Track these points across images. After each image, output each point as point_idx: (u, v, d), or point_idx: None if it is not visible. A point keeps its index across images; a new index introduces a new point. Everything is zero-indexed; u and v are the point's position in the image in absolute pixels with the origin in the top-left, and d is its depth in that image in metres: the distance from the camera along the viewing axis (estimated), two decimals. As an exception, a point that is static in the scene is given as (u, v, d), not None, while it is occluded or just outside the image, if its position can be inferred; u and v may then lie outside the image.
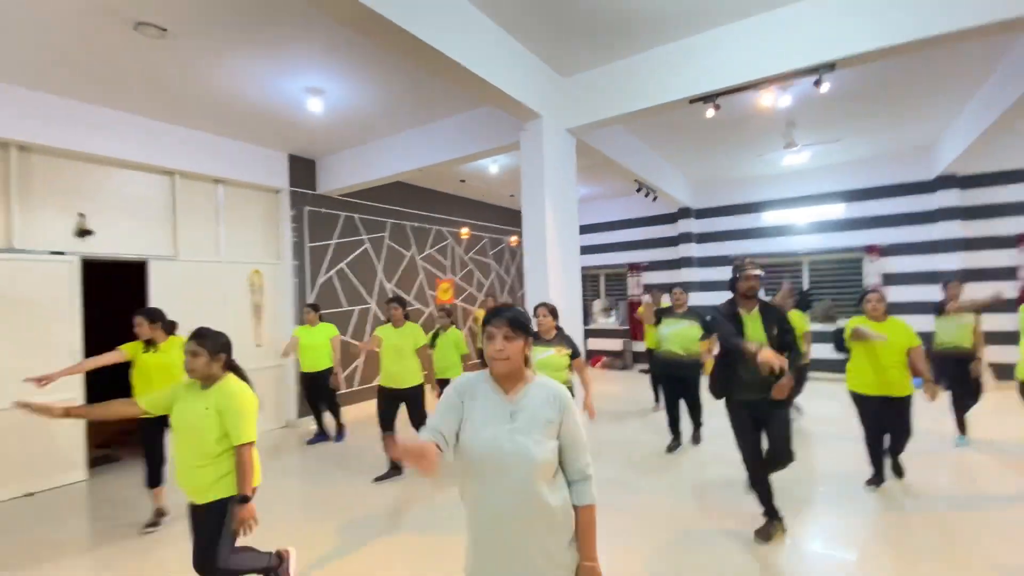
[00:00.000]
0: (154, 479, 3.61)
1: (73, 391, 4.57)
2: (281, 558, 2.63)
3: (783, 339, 3.07)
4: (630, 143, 6.42)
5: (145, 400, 2.21)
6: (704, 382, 4.81)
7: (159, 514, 3.62)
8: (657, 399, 6.64)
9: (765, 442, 3.15)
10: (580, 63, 4.40)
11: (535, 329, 3.71)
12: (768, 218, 8.77)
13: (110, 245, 5.04)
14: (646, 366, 9.59)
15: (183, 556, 3.10)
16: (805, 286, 8.55)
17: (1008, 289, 6.83)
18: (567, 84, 4.62)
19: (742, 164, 7.97)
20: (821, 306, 8.21)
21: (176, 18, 3.43)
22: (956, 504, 3.51)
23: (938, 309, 4.79)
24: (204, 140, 5.59)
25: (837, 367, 7.95)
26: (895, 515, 3.38)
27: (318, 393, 5.62)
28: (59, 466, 4.51)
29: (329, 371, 5.55)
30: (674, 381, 4.86)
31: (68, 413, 2.08)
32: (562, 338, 3.64)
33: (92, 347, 4.85)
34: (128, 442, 5.71)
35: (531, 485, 1.38)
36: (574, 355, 3.61)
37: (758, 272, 3.12)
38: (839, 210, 8.11)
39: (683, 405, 4.99)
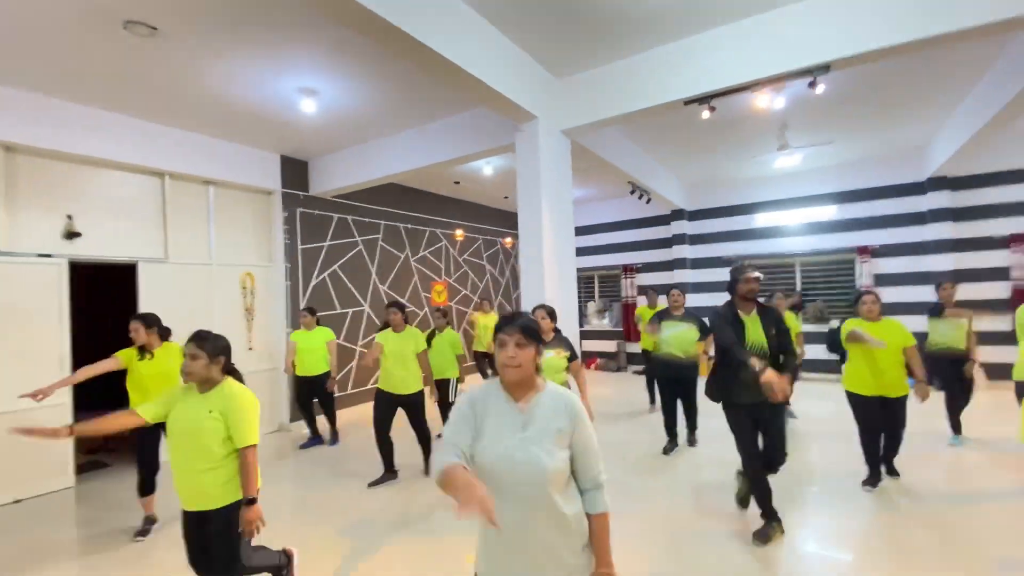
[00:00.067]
0: (147, 487, 3.54)
1: (62, 396, 4.49)
2: (288, 556, 2.64)
3: (781, 341, 3.12)
4: (624, 145, 6.42)
5: (143, 410, 2.16)
6: (701, 384, 4.86)
7: (149, 521, 3.56)
8: (653, 400, 6.63)
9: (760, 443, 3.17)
10: (575, 64, 4.39)
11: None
12: (761, 220, 8.82)
13: (99, 247, 4.95)
14: (640, 367, 9.63)
15: (174, 562, 3.05)
16: (797, 287, 8.60)
17: (999, 289, 6.91)
18: (562, 85, 4.61)
19: (735, 166, 8.01)
20: (813, 307, 8.29)
21: (166, 17, 3.38)
22: (952, 503, 3.52)
23: (932, 310, 4.82)
24: (195, 141, 5.52)
25: (829, 367, 8.01)
26: (892, 515, 3.38)
27: (315, 397, 5.58)
28: (47, 472, 4.42)
29: (326, 375, 5.51)
30: (672, 383, 4.85)
31: (72, 432, 2.02)
32: (560, 340, 3.62)
33: (80, 351, 4.78)
34: (116, 448, 5.62)
35: (544, 494, 1.38)
36: (571, 358, 3.59)
37: (757, 275, 3.14)
38: (831, 211, 8.17)
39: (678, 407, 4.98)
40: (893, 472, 3.98)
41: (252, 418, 2.19)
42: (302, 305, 6.60)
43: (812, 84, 3.63)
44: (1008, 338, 6.77)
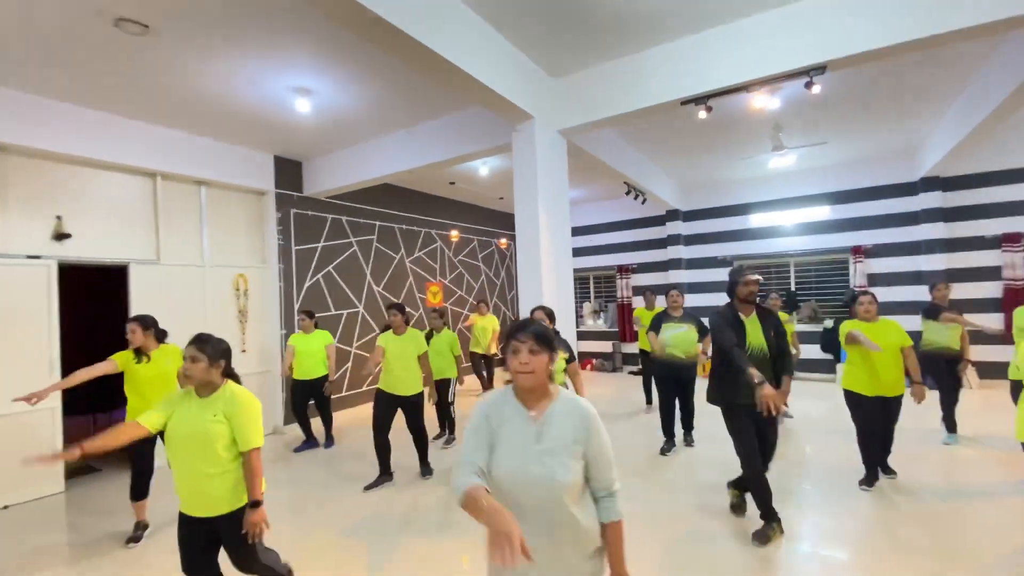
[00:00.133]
0: (140, 492, 3.48)
1: (51, 400, 4.41)
2: (290, 571, 2.58)
3: (779, 343, 3.16)
4: (619, 145, 6.42)
5: (145, 420, 2.11)
6: (699, 384, 4.86)
7: (141, 527, 3.50)
8: (649, 401, 6.63)
9: None
10: (571, 64, 4.38)
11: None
12: (755, 220, 8.85)
13: (89, 249, 4.88)
14: (635, 368, 9.64)
15: (168, 568, 3.01)
16: (792, 287, 8.64)
17: (991, 289, 6.97)
18: (558, 85, 4.59)
19: (729, 167, 8.03)
20: (807, 307, 8.33)
21: (158, 14, 3.33)
22: (948, 501, 3.53)
23: (926, 310, 4.85)
24: (187, 141, 5.45)
25: (823, 367, 8.06)
26: (889, 513, 3.38)
27: (312, 400, 5.53)
28: (35, 477, 4.34)
29: (324, 378, 5.47)
30: (672, 383, 4.85)
31: (83, 452, 1.97)
32: (558, 341, 3.59)
33: (70, 355, 4.70)
34: (106, 453, 5.53)
35: (559, 506, 1.38)
36: (570, 359, 3.58)
37: (757, 277, 3.19)
38: (825, 212, 8.21)
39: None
40: (889, 471, 3.99)
41: (256, 421, 2.18)
42: (296, 307, 6.55)
43: (808, 85, 3.63)
44: (999, 338, 6.84)
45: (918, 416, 5.29)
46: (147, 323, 3.50)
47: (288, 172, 6.58)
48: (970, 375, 6.83)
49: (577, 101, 4.48)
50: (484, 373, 7.96)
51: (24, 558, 3.30)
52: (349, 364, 7.28)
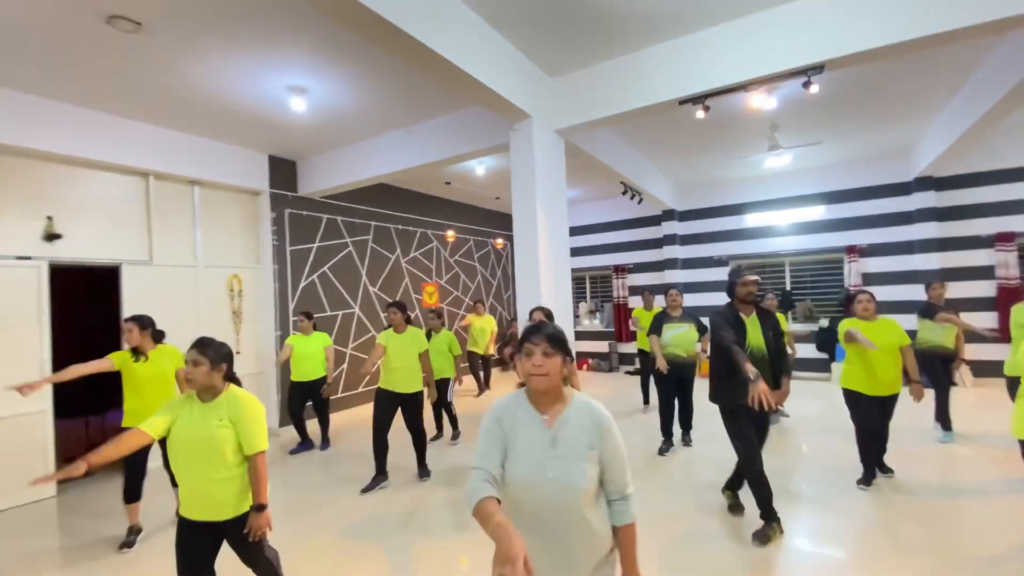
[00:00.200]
0: (133, 493, 3.42)
1: (42, 403, 4.36)
2: None
3: (778, 344, 3.20)
4: (615, 145, 6.41)
5: (148, 426, 2.08)
6: (698, 384, 4.88)
7: (134, 532, 3.44)
8: (646, 401, 6.63)
9: None
10: (569, 63, 4.36)
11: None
12: (750, 220, 8.87)
13: (80, 249, 4.81)
14: (632, 368, 9.64)
15: (162, 573, 2.97)
16: (787, 286, 8.67)
17: (984, 288, 7.01)
18: (556, 84, 4.58)
19: (725, 166, 8.04)
20: (802, 307, 8.37)
21: (151, 11, 3.28)
22: (945, 499, 3.54)
23: (922, 309, 4.87)
24: (180, 140, 5.39)
25: (819, 366, 8.09)
26: (887, 512, 3.38)
27: (310, 401, 5.49)
28: (26, 482, 4.26)
29: (323, 380, 5.43)
30: (672, 382, 4.85)
31: (89, 465, 1.95)
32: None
33: (62, 357, 4.64)
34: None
35: (574, 510, 1.38)
36: (568, 360, 3.55)
37: (755, 278, 3.19)
38: (820, 211, 8.24)
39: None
40: (886, 469, 4.00)
41: (261, 424, 2.17)
42: (291, 307, 6.51)
43: (806, 84, 3.63)
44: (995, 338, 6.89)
45: (914, 415, 5.31)
46: (144, 323, 3.46)
47: (283, 172, 6.53)
48: (964, 374, 6.87)
49: (575, 101, 4.47)
50: (481, 373, 7.94)
51: (16, 563, 3.24)
52: (345, 366, 7.24)
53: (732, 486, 3.57)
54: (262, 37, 3.66)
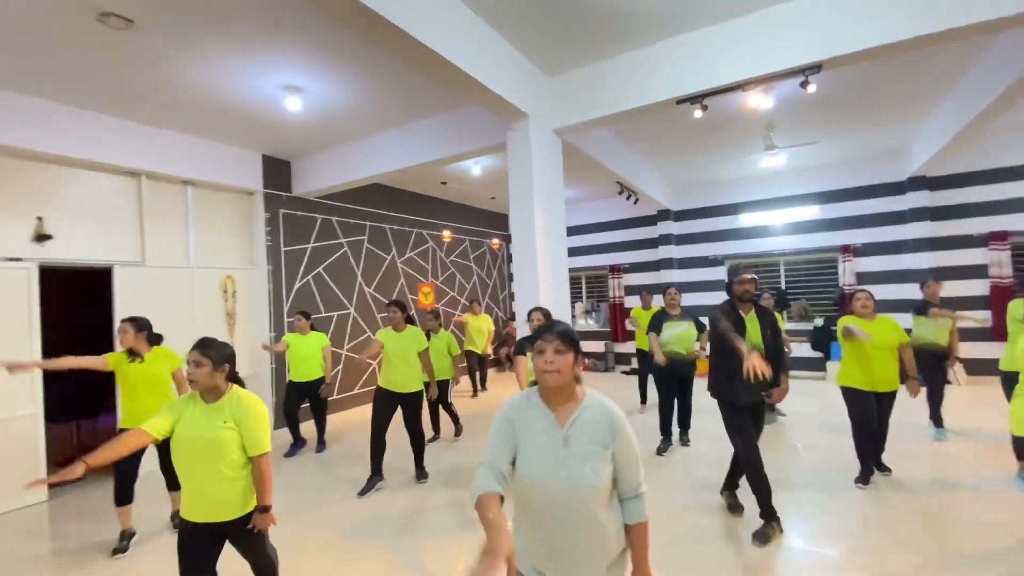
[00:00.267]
0: (124, 496, 3.37)
1: (32, 407, 4.29)
2: None
3: (775, 341, 3.23)
4: (612, 145, 6.40)
5: (150, 427, 2.04)
6: (696, 383, 4.89)
7: (127, 536, 3.38)
8: (644, 400, 6.63)
9: None
10: (566, 62, 4.34)
11: (530, 333, 3.64)
12: (745, 220, 8.90)
13: (71, 250, 4.74)
14: (628, 368, 9.65)
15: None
16: (782, 286, 8.70)
17: (978, 287, 7.07)
18: (553, 84, 4.56)
19: (721, 166, 8.06)
20: (797, 306, 8.40)
21: (143, 8, 3.23)
22: (945, 497, 3.55)
23: (917, 307, 4.91)
24: (172, 139, 5.33)
25: (813, 365, 8.12)
26: (885, 510, 3.39)
27: (308, 402, 5.44)
28: (18, 487, 4.20)
29: (321, 381, 5.38)
30: (672, 380, 4.84)
31: (88, 466, 1.91)
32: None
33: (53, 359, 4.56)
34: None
35: (587, 509, 1.37)
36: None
37: (752, 276, 3.21)
38: (814, 211, 8.27)
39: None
40: (883, 468, 4.02)
41: (265, 425, 2.15)
42: (286, 309, 6.45)
43: (804, 84, 3.64)
44: (986, 335, 6.95)
45: (910, 412, 5.34)
46: (140, 325, 3.42)
47: (277, 171, 6.48)
48: (958, 371, 6.92)
49: (573, 100, 4.45)
50: (478, 373, 7.91)
51: (8, 571, 3.18)
52: (340, 367, 7.18)
53: (729, 486, 3.58)
54: (257, 35, 3.62)
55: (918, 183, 7.34)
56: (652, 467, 4.48)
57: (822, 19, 3.39)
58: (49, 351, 4.50)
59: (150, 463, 3.51)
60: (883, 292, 7.55)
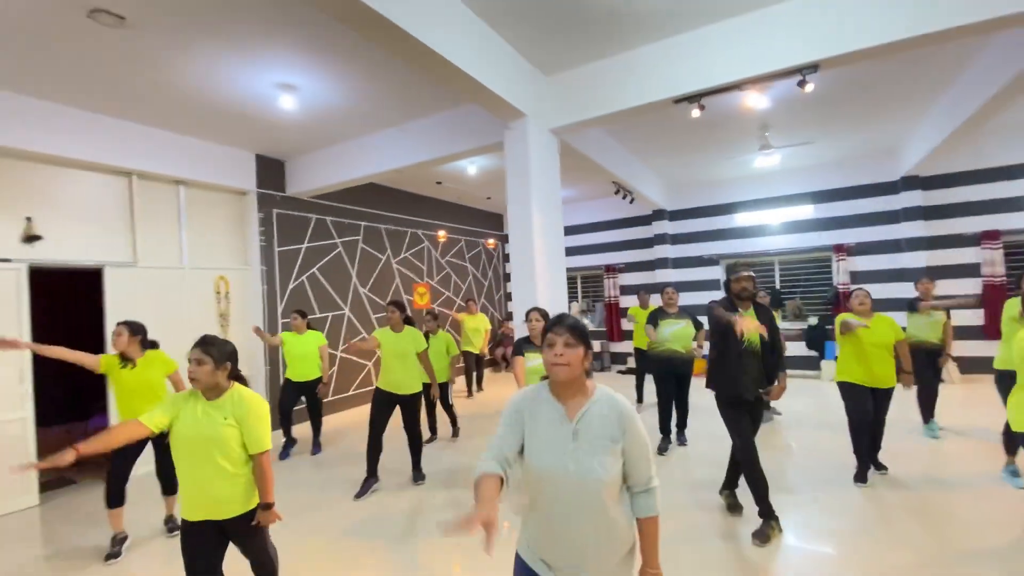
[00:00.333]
0: (116, 498, 3.31)
1: (22, 410, 4.22)
2: None
3: (773, 339, 3.24)
4: (608, 144, 6.40)
5: (148, 419, 2.03)
6: (694, 382, 4.90)
7: (119, 541, 3.32)
8: (640, 399, 6.63)
9: None
10: (564, 62, 4.33)
11: (527, 334, 3.63)
12: (740, 219, 8.93)
13: (61, 251, 4.67)
14: (624, 367, 9.65)
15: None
16: (776, 285, 8.74)
17: (971, 286, 7.12)
18: (550, 83, 4.54)
19: (715, 166, 8.08)
20: (791, 305, 8.43)
21: (135, 5, 3.18)
22: (942, 494, 3.57)
23: (911, 304, 4.97)
24: (164, 138, 5.26)
25: (807, 364, 8.16)
26: (882, 509, 3.40)
27: (305, 402, 5.39)
28: (8, 491, 4.13)
29: (318, 381, 5.34)
30: (671, 379, 4.85)
31: (79, 453, 1.87)
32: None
33: (43, 361, 4.49)
34: (82, 463, 5.31)
35: (597, 503, 1.38)
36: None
37: (750, 274, 3.21)
38: (808, 211, 8.31)
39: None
40: (880, 467, 4.04)
41: (265, 423, 2.14)
42: (280, 310, 6.40)
43: (801, 83, 3.64)
44: (980, 333, 7.01)
45: (905, 411, 5.36)
46: (135, 328, 3.37)
47: (270, 171, 6.42)
48: (951, 370, 6.96)
49: (570, 100, 4.44)
50: (474, 373, 7.88)
51: (-4, 577, 3.13)
52: (335, 369, 7.13)
53: (729, 485, 3.59)
54: (251, 32, 3.57)
55: (911, 183, 7.38)
56: (650, 467, 4.47)
57: (820, 18, 3.39)
58: (38, 357, 4.42)
59: (142, 465, 3.45)
60: (877, 291, 7.58)
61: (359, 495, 4.05)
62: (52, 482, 4.73)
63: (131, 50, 3.68)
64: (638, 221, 9.88)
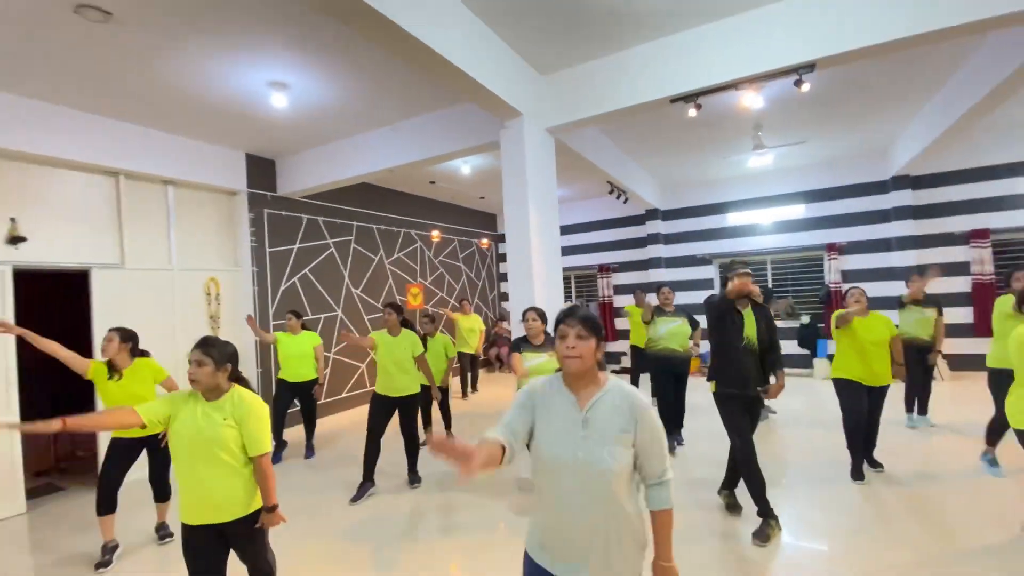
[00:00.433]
0: (107, 504, 3.23)
1: (9, 414, 4.11)
2: None
3: (771, 337, 3.28)
4: (602, 144, 6.39)
5: (143, 411, 1.98)
6: (691, 382, 4.92)
7: (109, 549, 3.24)
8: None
9: None
10: (560, 61, 4.30)
11: (524, 334, 3.60)
12: (732, 219, 8.97)
13: (47, 253, 4.56)
14: (618, 366, 9.66)
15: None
16: (769, 284, 8.78)
17: (960, 284, 7.20)
18: (546, 82, 4.51)
19: (708, 166, 8.10)
20: (783, 303, 8.48)
21: (122, 0, 3.10)
22: (938, 490, 3.59)
23: (900, 302, 5.05)
24: (152, 137, 5.16)
25: (800, 362, 8.21)
26: (879, 506, 3.41)
27: (300, 403, 5.32)
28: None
29: (314, 382, 5.28)
30: (670, 379, 4.84)
31: (65, 425, 1.85)
32: (551, 342, 3.53)
33: (29, 365, 4.39)
34: (69, 469, 5.21)
35: (607, 492, 1.37)
36: (562, 359, 3.50)
37: (747, 271, 3.19)
38: (800, 210, 8.37)
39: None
40: (875, 464, 4.06)
41: (265, 425, 2.11)
42: (271, 311, 6.31)
43: (798, 83, 3.64)
44: (969, 330, 7.09)
45: (900, 409, 5.40)
46: (127, 335, 3.30)
47: (261, 171, 6.33)
48: (941, 367, 7.04)
49: (567, 98, 4.41)
50: (469, 374, 7.84)
51: (-20, 589, 3.04)
52: (328, 371, 7.05)
53: (728, 485, 3.59)
54: (242, 29, 3.50)
55: (901, 182, 7.46)
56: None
57: (818, 17, 3.39)
58: (24, 358, 4.32)
59: (133, 470, 3.37)
60: (868, 290, 7.59)
61: (355, 499, 4.00)
62: (40, 488, 4.63)
63: (119, 47, 3.60)
64: (631, 221, 9.89)
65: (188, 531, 2.05)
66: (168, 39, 3.56)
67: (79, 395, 4.98)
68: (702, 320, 5.28)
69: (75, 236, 4.77)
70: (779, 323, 8.17)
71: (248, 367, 6.07)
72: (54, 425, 1.82)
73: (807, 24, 3.43)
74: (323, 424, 6.54)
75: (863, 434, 3.93)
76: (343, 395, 7.31)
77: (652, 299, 5.90)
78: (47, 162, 4.56)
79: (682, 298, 9.13)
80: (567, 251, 10.45)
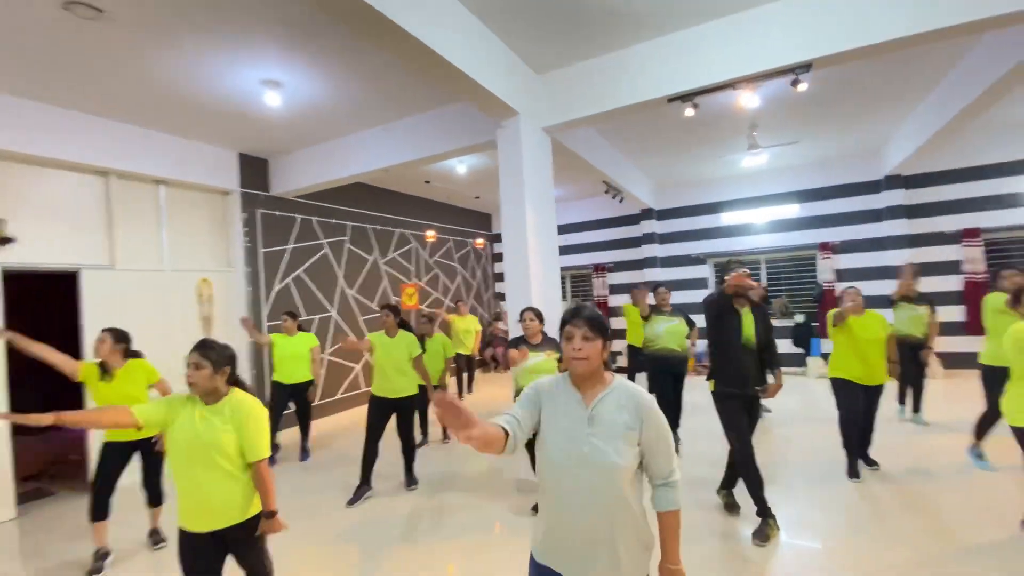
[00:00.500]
0: (100, 511, 3.18)
1: (-6, 420, 4.04)
2: None
3: (767, 336, 3.31)
4: (597, 143, 6.38)
5: (139, 411, 1.94)
6: (688, 381, 4.92)
7: (102, 556, 3.19)
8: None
9: None
10: (556, 60, 4.28)
11: (521, 334, 3.58)
12: (727, 218, 9.00)
13: (35, 254, 4.48)
14: (615, 365, 9.65)
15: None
16: (763, 283, 8.82)
17: (953, 282, 7.26)
18: (544, 81, 4.49)
19: (703, 166, 8.12)
20: (778, 303, 8.52)
21: (114, -3, 3.05)
22: (931, 488, 3.61)
23: (892, 300, 5.11)
24: (143, 136, 5.09)
25: (793, 361, 8.25)
26: (876, 504, 3.43)
27: (295, 406, 5.27)
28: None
29: (309, 383, 5.23)
30: (668, 379, 4.84)
31: (59, 418, 1.80)
32: (548, 342, 3.54)
33: (17, 368, 4.31)
34: (60, 474, 5.13)
35: (613, 490, 1.37)
36: (560, 359, 3.49)
37: (744, 271, 3.20)
38: (794, 210, 8.41)
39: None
40: (871, 462, 4.08)
41: (264, 430, 2.07)
42: (265, 312, 6.25)
43: (795, 83, 3.64)
44: (962, 329, 7.15)
45: (895, 409, 5.43)
46: (120, 336, 3.25)
47: (254, 170, 6.26)
48: (934, 365, 7.09)
49: (563, 98, 4.39)
50: (465, 374, 7.82)
51: (-32, 598, 2.98)
52: (323, 372, 7.00)
53: (727, 485, 3.59)
54: (235, 27, 3.46)
55: (894, 182, 7.51)
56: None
57: (816, 17, 3.39)
58: (13, 362, 4.24)
59: (129, 475, 3.31)
60: (861, 289, 7.66)
61: (352, 502, 3.96)
62: (30, 493, 4.55)
63: (109, 44, 3.54)
64: (626, 220, 9.90)
65: (185, 537, 2.02)
66: (160, 36, 3.50)
67: (71, 398, 4.90)
68: (698, 320, 5.31)
69: (65, 237, 4.70)
70: (774, 322, 8.22)
71: (241, 369, 6.00)
72: (47, 418, 1.79)
73: (805, 24, 3.43)
74: (318, 426, 6.48)
75: (859, 433, 3.95)
76: (338, 396, 7.26)
77: (648, 299, 5.89)
78: (36, 162, 4.49)
79: (677, 297, 9.14)
80: (562, 251, 10.45)
